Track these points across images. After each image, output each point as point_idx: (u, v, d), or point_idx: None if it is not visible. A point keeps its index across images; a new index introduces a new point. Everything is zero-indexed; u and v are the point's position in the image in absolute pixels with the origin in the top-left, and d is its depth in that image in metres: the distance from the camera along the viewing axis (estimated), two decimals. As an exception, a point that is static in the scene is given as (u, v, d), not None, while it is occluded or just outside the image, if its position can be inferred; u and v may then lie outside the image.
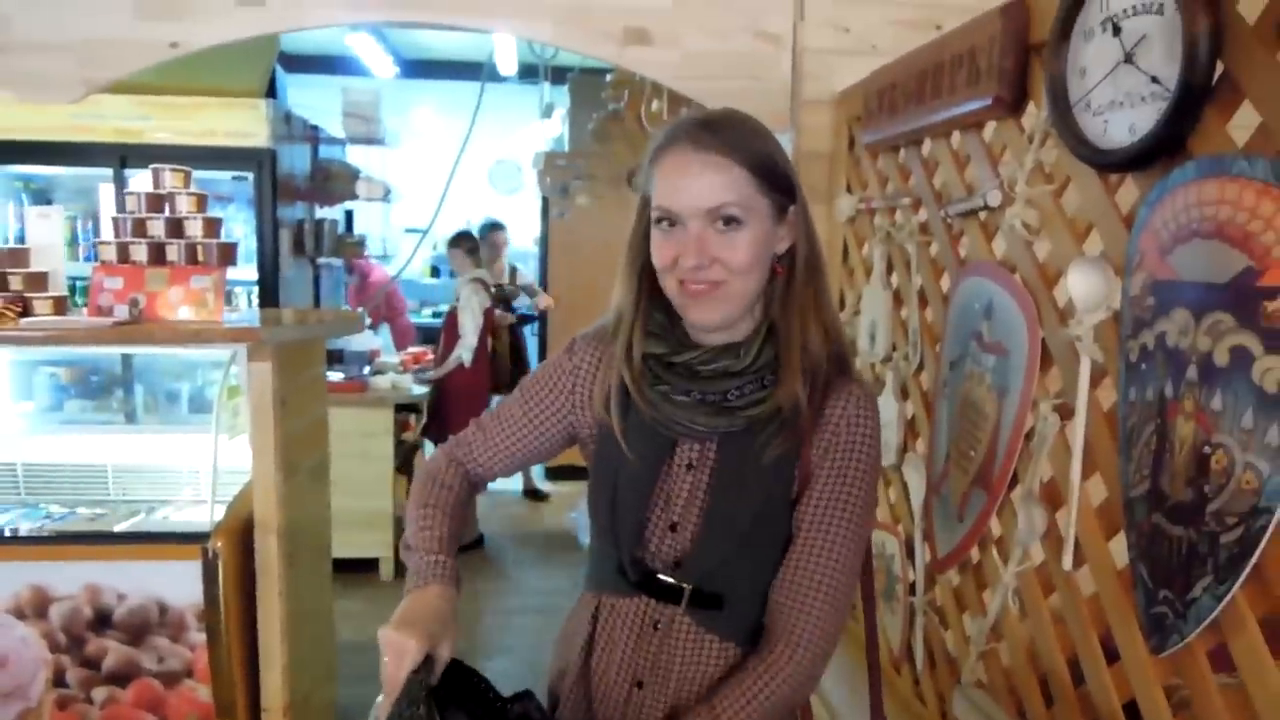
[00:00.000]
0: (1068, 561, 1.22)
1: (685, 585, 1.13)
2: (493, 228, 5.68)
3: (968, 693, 1.42)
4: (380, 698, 1.04)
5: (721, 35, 2.21)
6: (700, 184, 1.04)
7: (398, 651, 1.00)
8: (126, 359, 3.18)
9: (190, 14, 2.11)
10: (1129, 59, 1.08)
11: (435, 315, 8.61)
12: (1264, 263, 0.88)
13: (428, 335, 7.49)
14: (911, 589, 1.73)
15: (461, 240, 4.97)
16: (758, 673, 1.08)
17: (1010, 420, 1.36)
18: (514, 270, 5.81)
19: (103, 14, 2.09)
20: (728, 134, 1.06)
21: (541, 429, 1.23)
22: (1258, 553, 0.88)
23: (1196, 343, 0.96)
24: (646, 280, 1.12)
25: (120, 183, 4.11)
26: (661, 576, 1.14)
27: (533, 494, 5.76)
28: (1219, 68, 0.98)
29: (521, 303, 5.72)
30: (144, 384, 3.30)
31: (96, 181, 4.35)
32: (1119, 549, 1.13)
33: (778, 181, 1.08)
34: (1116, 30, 1.10)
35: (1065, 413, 1.25)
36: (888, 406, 1.84)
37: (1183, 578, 0.98)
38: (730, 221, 1.04)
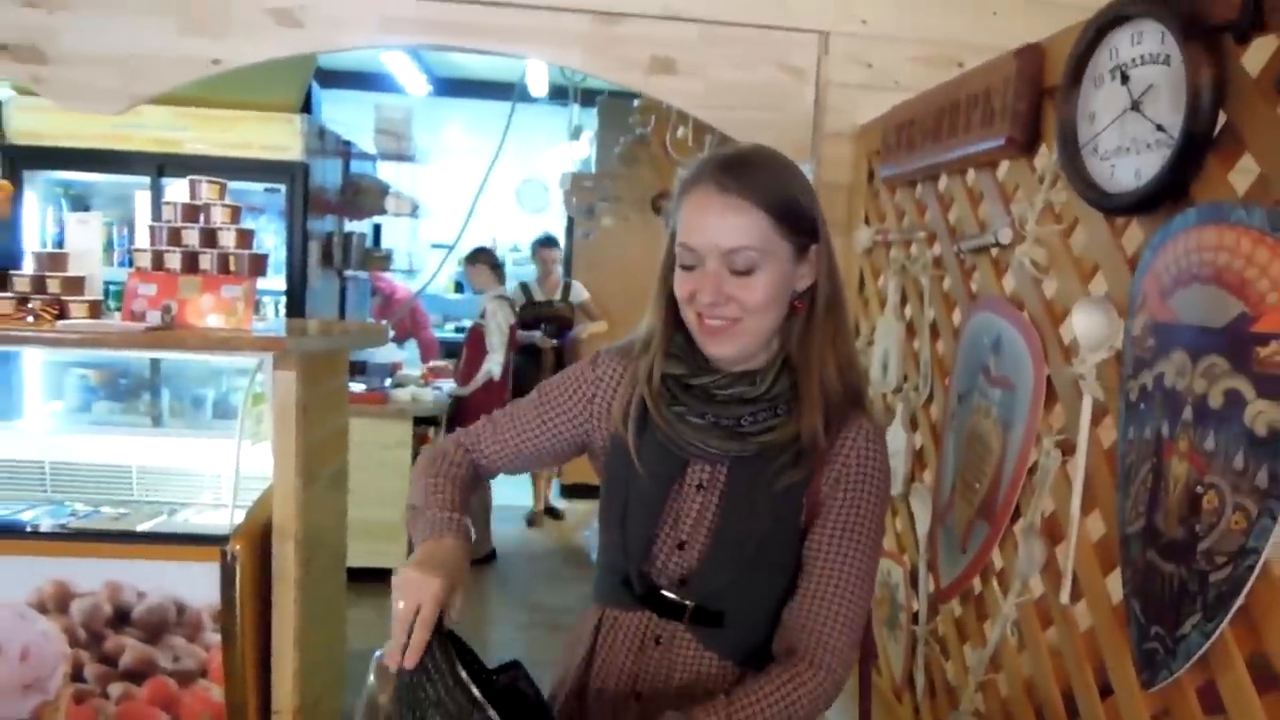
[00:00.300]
0: (1065, 595, 1.24)
1: (688, 602, 1.16)
2: (544, 243, 5.64)
3: (962, 719, 1.44)
4: (382, 649, 1.04)
5: (746, 66, 2.26)
6: (720, 225, 1.07)
7: (417, 589, 1.01)
8: (155, 363, 3.25)
9: (231, 32, 2.19)
10: (1136, 106, 1.11)
11: (458, 330, 8.69)
12: (1258, 309, 0.91)
13: (450, 350, 7.58)
14: (915, 618, 1.75)
15: (481, 256, 4.98)
16: (780, 680, 1.09)
17: (1014, 454, 1.38)
18: (568, 286, 5.74)
19: (148, 30, 2.16)
20: (751, 177, 1.09)
21: (554, 431, 1.24)
22: (1244, 592, 0.90)
23: (1193, 384, 0.99)
24: (672, 305, 1.16)
25: (157, 191, 4.22)
26: (665, 593, 1.17)
27: (549, 512, 5.70)
28: (1221, 118, 1.01)
29: (581, 326, 5.64)
30: (171, 389, 3.36)
31: (133, 189, 4.49)
32: (1115, 584, 1.15)
33: (799, 223, 1.10)
34: (1125, 78, 1.13)
35: (1067, 448, 1.27)
36: (897, 436, 1.86)
37: (1173, 614, 1.00)
38: (747, 265, 1.07)
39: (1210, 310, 0.97)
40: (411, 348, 6.18)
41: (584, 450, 1.28)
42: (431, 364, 5.29)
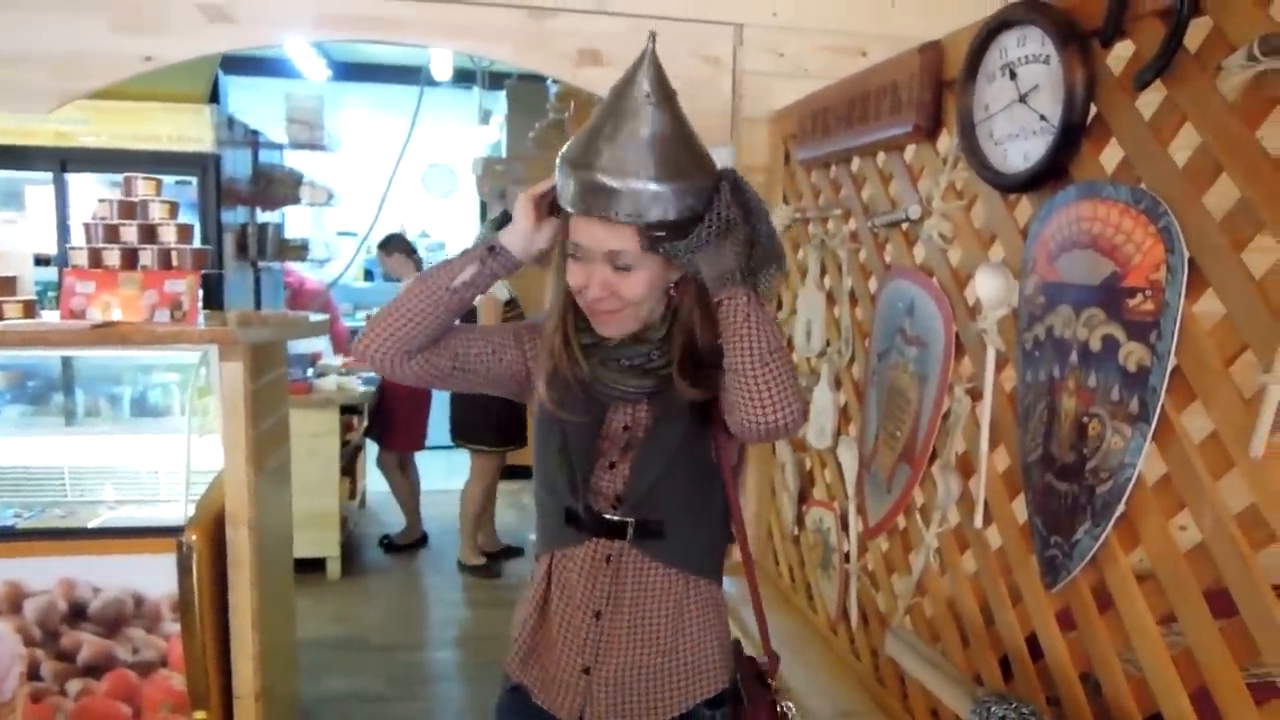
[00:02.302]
0: (979, 520, 1.44)
1: (629, 520, 1.33)
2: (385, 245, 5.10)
3: (898, 632, 1.64)
4: None
5: (668, 57, 2.36)
6: (605, 234, 1.22)
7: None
8: (67, 363, 3.21)
9: (164, 29, 2.21)
10: (1022, 99, 1.30)
11: (369, 318, 8.62)
12: (1126, 268, 1.11)
13: (362, 338, 7.52)
14: (846, 557, 1.94)
15: (395, 243, 4.89)
16: None
17: (930, 403, 1.58)
18: None
19: (79, 28, 2.17)
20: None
21: (497, 343, 1.38)
22: (1124, 500, 1.11)
23: (1077, 333, 1.19)
24: (565, 291, 1.32)
25: (61, 186, 4.11)
26: (607, 516, 1.34)
27: (506, 553, 4.90)
28: (1093, 109, 1.20)
29: None
30: (85, 388, 3.33)
31: (24, 185, 4.35)
32: (1019, 508, 1.35)
33: (668, 235, 1.21)
34: (1013, 75, 1.32)
35: (975, 395, 1.47)
36: (822, 395, 2.05)
37: (1069, 524, 1.20)
38: (623, 265, 1.23)
39: (1088, 270, 1.17)
40: (324, 338, 6.14)
41: (518, 386, 1.42)
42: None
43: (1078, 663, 1.26)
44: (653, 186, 1.17)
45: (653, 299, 1.29)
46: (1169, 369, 1.04)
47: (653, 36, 1.26)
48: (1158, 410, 1.06)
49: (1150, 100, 1.12)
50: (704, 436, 1.34)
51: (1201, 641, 1.04)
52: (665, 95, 1.25)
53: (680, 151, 1.21)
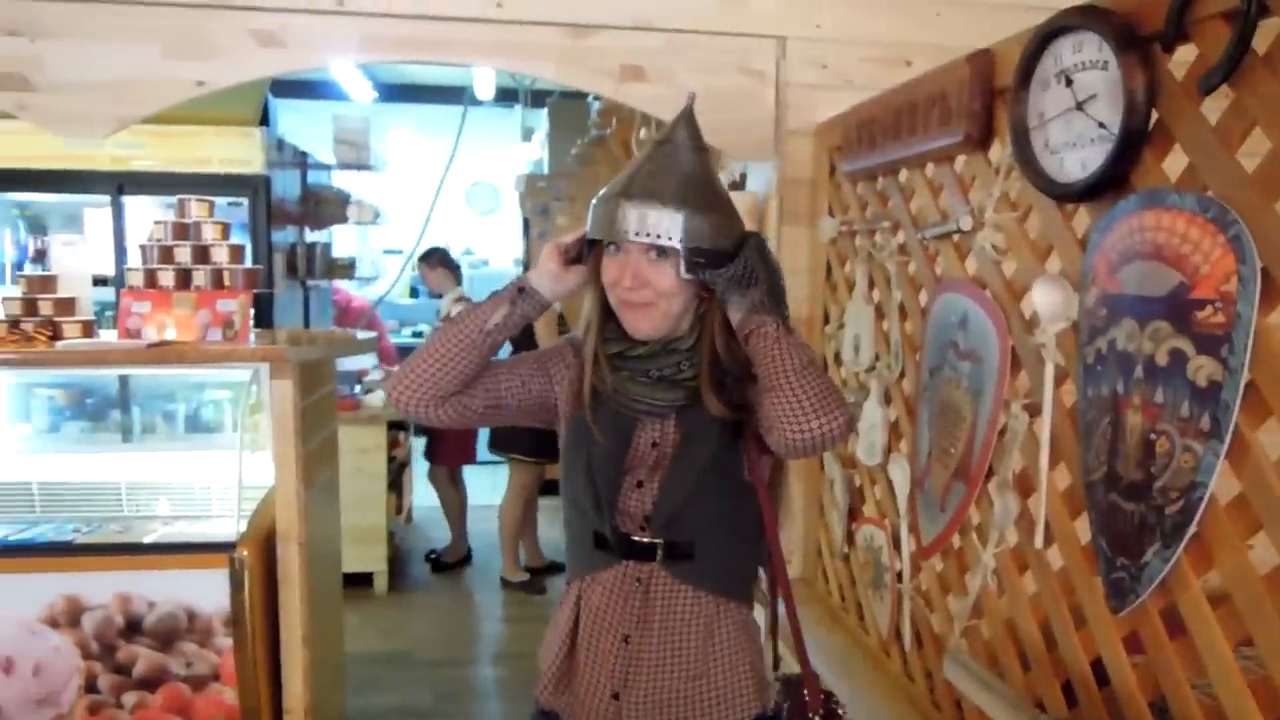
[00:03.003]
0: (1039, 540, 1.40)
1: (658, 541, 1.33)
2: (425, 259, 5.00)
3: (958, 658, 1.59)
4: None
5: (710, 71, 2.39)
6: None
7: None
8: (124, 381, 3.28)
9: (215, 55, 2.25)
10: (1080, 106, 1.27)
11: (415, 335, 8.73)
12: (1194, 279, 1.07)
13: (407, 355, 7.61)
14: (899, 576, 1.90)
15: (435, 257, 4.85)
16: None
17: (985, 419, 1.54)
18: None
19: (133, 55, 2.22)
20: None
21: (525, 374, 1.40)
22: (1196, 520, 1.06)
23: (1142, 347, 1.14)
24: (603, 300, 1.36)
25: (118, 209, 4.22)
26: (636, 538, 1.34)
27: (550, 568, 4.80)
28: (1154, 116, 1.17)
29: None
30: (141, 405, 3.40)
31: (83, 208, 4.47)
32: (1081, 527, 1.31)
33: (707, 262, 1.30)
34: (1069, 82, 1.29)
35: (1033, 410, 1.43)
36: (872, 411, 2.02)
37: (1136, 546, 1.15)
38: (660, 253, 1.28)
39: (1153, 282, 1.13)
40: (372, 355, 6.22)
41: (548, 414, 1.44)
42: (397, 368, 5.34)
43: (1146, 690, 1.21)
44: (694, 214, 1.27)
45: (682, 298, 1.31)
46: (1242, 384, 1.00)
47: (692, 97, 1.40)
48: (1231, 427, 1.01)
49: (1215, 106, 1.08)
50: (735, 454, 1.34)
51: (1280, 668, 0.99)
52: (701, 146, 1.37)
53: (715, 193, 1.35)
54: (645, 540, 1.33)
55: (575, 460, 1.38)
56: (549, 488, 4.78)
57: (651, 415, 1.35)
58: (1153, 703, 1.21)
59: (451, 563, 4.94)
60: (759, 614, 1.48)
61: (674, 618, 1.34)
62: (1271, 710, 1.01)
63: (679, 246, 1.27)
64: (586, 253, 1.35)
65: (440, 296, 4.94)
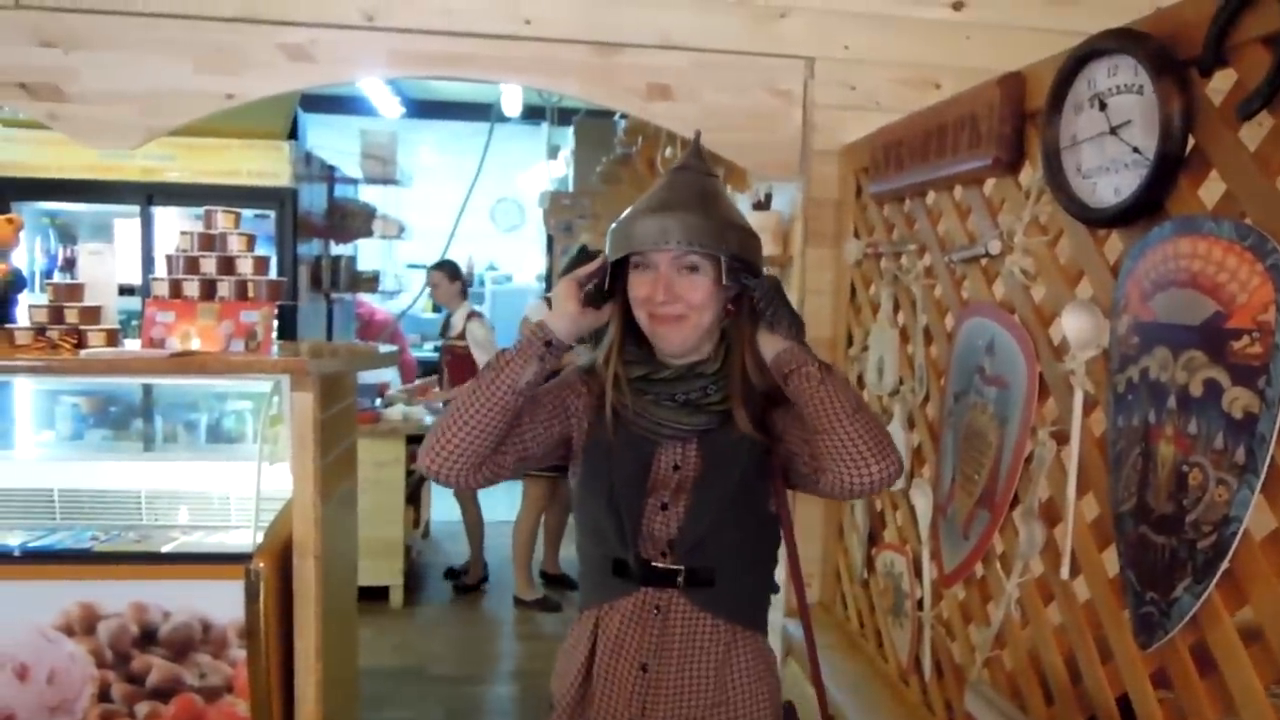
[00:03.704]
0: (1065, 571, 1.37)
1: (680, 567, 1.31)
2: (435, 267, 4.88)
3: (979, 689, 1.56)
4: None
5: (737, 91, 2.39)
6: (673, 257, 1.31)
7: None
8: (147, 389, 3.31)
9: (245, 68, 2.27)
10: (1114, 131, 1.25)
11: (436, 349, 8.75)
12: (1230, 308, 1.04)
13: (428, 369, 7.64)
14: (919, 604, 1.87)
15: (451, 267, 4.75)
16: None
17: (1011, 446, 1.51)
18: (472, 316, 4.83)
19: (164, 68, 2.25)
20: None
21: (545, 418, 1.37)
22: (1229, 556, 1.03)
23: (1175, 376, 1.12)
24: (622, 322, 1.36)
25: (147, 220, 4.27)
26: (657, 564, 1.31)
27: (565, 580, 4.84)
28: (1190, 141, 1.14)
29: None
30: (164, 414, 3.42)
31: (113, 218, 4.53)
32: (1109, 559, 1.28)
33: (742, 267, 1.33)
34: (1103, 106, 1.27)
35: (1061, 439, 1.40)
36: (895, 436, 1.99)
37: (1166, 580, 1.12)
38: (690, 266, 1.29)
39: (1188, 310, 1.10)
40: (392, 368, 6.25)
41: (569, 449, 1.41)
42: (419, 381, 5.36)
43: (1175, 728, 1.18)
44: (724, 224, 1.30)
45: (712, 313, 1.31)
46: (1280, 417, 0.97)
47: (698, 134, 1.46)
48: (1266, 460, 0.98)
49: (1254, 133, 1.06)
50: (761, 482, 1.34)
51: (1318, 712, 0.96)
52: (713, 173, 1.42)
53: (735, 210, 1.39)
54: (666, 566, 1.32)
55: (594, 486, 1.36)
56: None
57: (674, 439, 1.34)
58: (1182, 743, 1.18)
59: (471, 585, 4.87)
60: (774, 641, 1.46)
61: (693, 645, 1.32)
62: (1307, 754, 0.98)
63: (720, 253, 1.28)
64: (605, 282, 1.33)
65: (439, 309, 4.88)
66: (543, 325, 1.31)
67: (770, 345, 1.30)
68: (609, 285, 1.34)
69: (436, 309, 8.97)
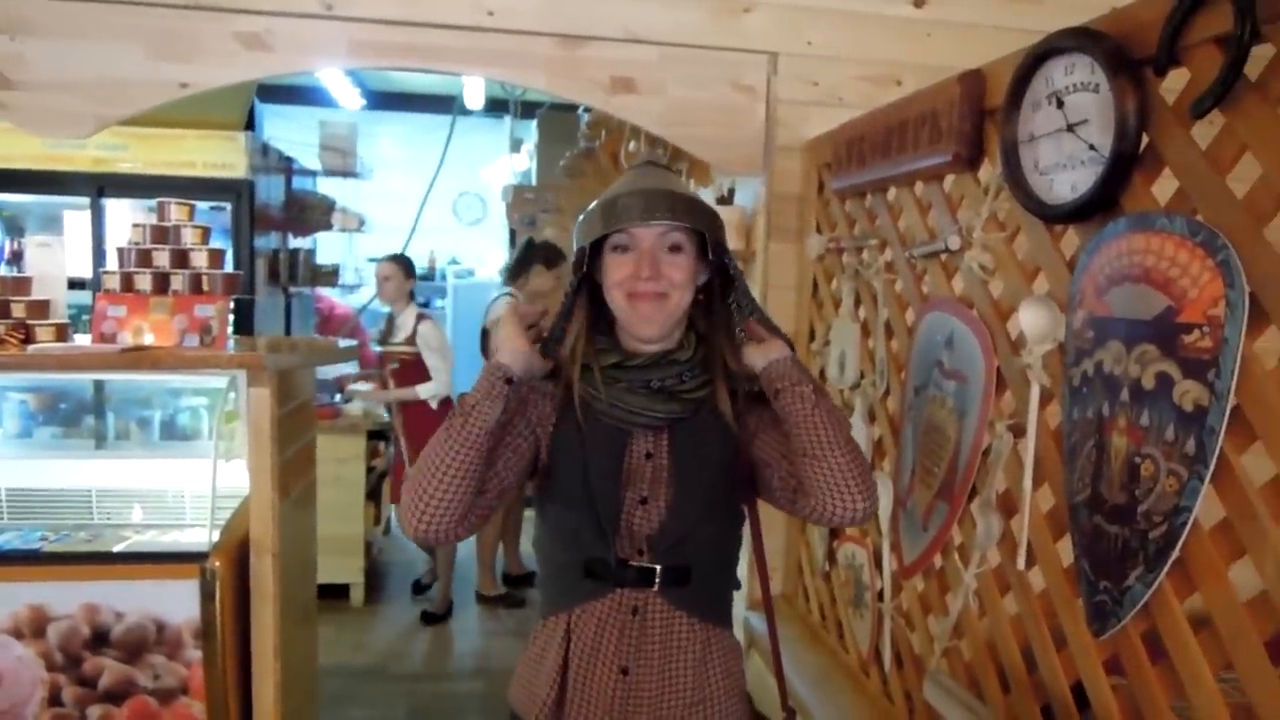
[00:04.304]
0: (1021, 562, 1.39)
1: (657, 566, 1.28)
2: (559, 254, 4.42)
3: (938, 679, 1.58)
4: None
5: (701, 85, 2.39)
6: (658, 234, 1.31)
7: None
8: (99, 386, 3.23)
9: (199, 56, 2.23)
10: (1070, 128, 1.27)
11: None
12: (1181, 303, 1.06)
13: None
14: (879, 595, 1.89)
15: (402, 262, 4.29)
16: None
17: (969, 439, 1.53)
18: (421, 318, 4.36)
19: (115, 55, 2.19)
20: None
21: (512, 443, 1.32)
22: (1179, 545, 1.05)
23: (1128, 370, 1.14)
24: (588, 313, 1.35)
25: (98, 212, 4.17)
26: (632, 563, 1.29)
27: (530, 578, 4.74)
28: (1145, 139, 1.17)
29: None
30: (114, 411, 3.35)
31: (62, 210, 4.42)
32: (1064, 549, 1.30)
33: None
34: (1060, 103, 1.29)
35: (1018, 431, 1.42)
36: (856, 429, 2.01)
37: (1119, 569, 1.15)
38: (676, 243, 1.29)
39: (1141, 305, 1.12)
40: (351, 364, 6.17)
41: (536, 460, 1.36)
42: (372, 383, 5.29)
43: (1126, 713, 1.20)
44: (700, 206, 1.31)
45: (689, 295, 1.31)
46: (1228, 409, 0.99)
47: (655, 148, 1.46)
48: (1216, 452, 1.01)
49: (1205, 131, 1.08)
50: (732, 477, 1.34)
51: (1262, 695, 0.98)
52: (677, 169, 1.48)
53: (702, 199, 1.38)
54: (643, 565, 1.28)
55: (567, 484, 1.32)
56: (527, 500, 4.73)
57: (646, 428, 1.31)
58: (1134, 728, 1.20)
59: (439, 615, 4.44)
60: (736, 633, 1.46)
61: (671, 645, 1.30)
62: (1254, 738, 1.01)
63: (704, 229, 1.29)
64: (577, 267, 1.32)
65: (392, 309, 4.33)
66: (499, 364, 1.25)
67: (760, 354, 1.29)
68: (577, 276, 1.33)
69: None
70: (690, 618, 1.31)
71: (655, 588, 1.29)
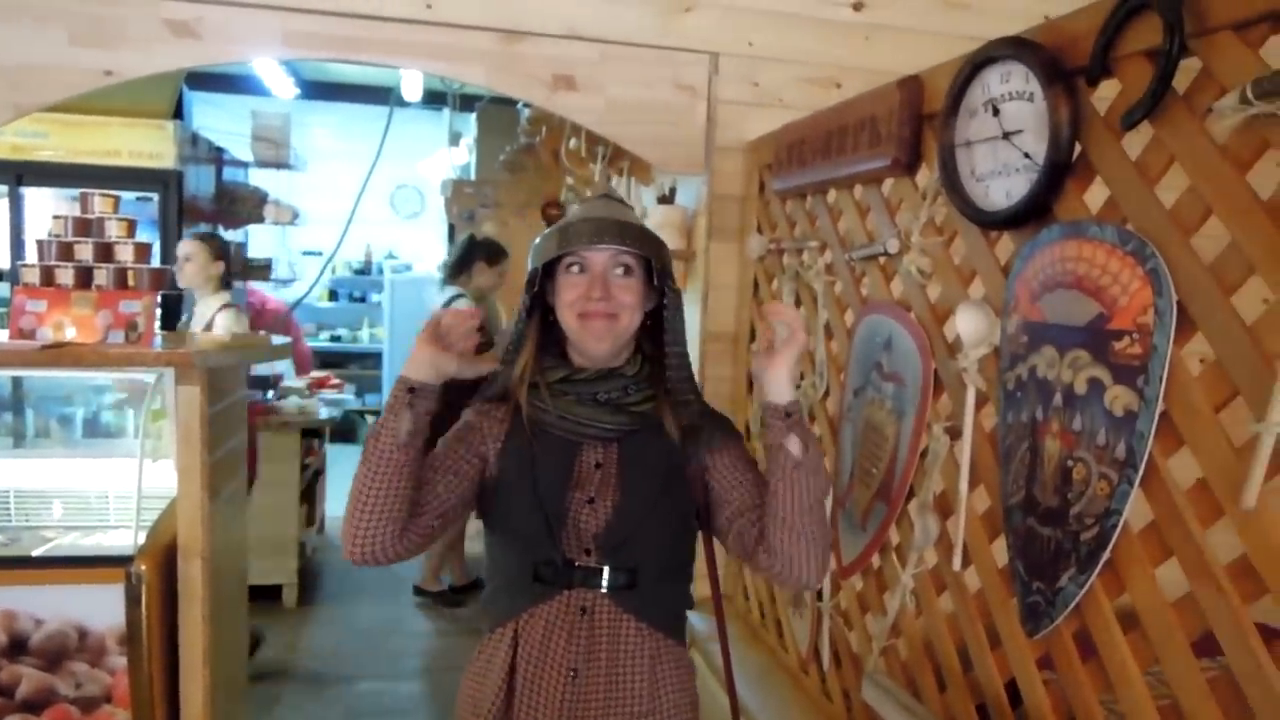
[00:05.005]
0: (957, 562, 1.41)
1: (604, 566, 1.31)
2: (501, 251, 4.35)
3: (876, 679, 1.60)
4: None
5: (643, 84, 2.39)
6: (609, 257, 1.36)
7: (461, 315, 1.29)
8: (16, 383, 3.11)
9: (125, 43, 2.14)
10: (1006, 136, 1.29)
11: (333, 339, 8.52)
12: (1112, 310, 1.09)
13: (325, 360, 7.42)
14: (819, 595, 1.90)
15: (210, 241, 3.71)
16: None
17: (907, 440, 1.55)
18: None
19: (36, 39, 2.10)
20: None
21: (453, 465, 1.34)
22: (1110, 547, 1.08)
23: (1061, 375, 1.16)
24: (538, 332, 1.40)
25: (16, 200, 4.00)
26: (580, 563, 1.31)
27: (474, 585, 4.59)
28: (1078, 148, 1.19)
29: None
30: (34, 409, 3.22)
31: (-22, 198, 4.23)
32: (999, 550, 1.32)
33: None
34: (996, 111, 1.31)
35: (954, 434, 1.44)
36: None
37: (1052, 570, 1.17)
38: (624, 268, 1.34)
39: (1073, 311, 1.15)
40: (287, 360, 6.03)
41: (486, 485, 1.37)
42: (315, 374, 5.19)
43: (1059, 710, 1.23)
44: (649, 235, 1.37)
45: (638, 315, 1.36)
46: (1157, 414, 1.02)
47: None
48: (1145, 456, 1.03)
49: (1136, 141, 1.11)
50: (680, 492, 1.36)
51: (1188, 691, 1.01)
52: (629, 204, 1.47)
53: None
54: (589, 564, 1.31)
55: (516, 488, 1.34)
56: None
57: (596, 439, 1.35)
58: (1064, 724, 1.23)
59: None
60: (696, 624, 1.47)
61: (620, 649, 1.31)
62: (1178, 732, 1.04)
63: (651, 255, 1.35)
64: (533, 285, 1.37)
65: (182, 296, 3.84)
66: (401, 377, 1.26)
67: (773, 384, 1.27)
68: (530, 297, 1.38)
69: (334, 297, 8.71)
70: (639, 622, 1.32)
71: (603, 589, 1.30)
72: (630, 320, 1.35)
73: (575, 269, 1.34)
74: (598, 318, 1.32)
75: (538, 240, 1.38)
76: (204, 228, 4.51)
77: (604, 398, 1.34)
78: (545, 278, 1.38)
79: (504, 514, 1.36)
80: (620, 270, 1.34)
